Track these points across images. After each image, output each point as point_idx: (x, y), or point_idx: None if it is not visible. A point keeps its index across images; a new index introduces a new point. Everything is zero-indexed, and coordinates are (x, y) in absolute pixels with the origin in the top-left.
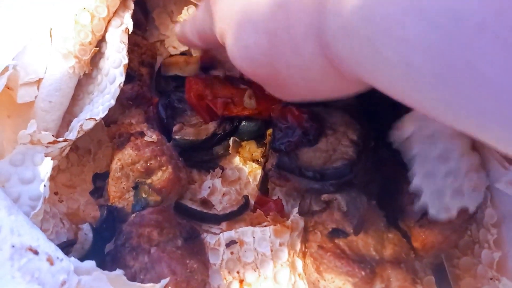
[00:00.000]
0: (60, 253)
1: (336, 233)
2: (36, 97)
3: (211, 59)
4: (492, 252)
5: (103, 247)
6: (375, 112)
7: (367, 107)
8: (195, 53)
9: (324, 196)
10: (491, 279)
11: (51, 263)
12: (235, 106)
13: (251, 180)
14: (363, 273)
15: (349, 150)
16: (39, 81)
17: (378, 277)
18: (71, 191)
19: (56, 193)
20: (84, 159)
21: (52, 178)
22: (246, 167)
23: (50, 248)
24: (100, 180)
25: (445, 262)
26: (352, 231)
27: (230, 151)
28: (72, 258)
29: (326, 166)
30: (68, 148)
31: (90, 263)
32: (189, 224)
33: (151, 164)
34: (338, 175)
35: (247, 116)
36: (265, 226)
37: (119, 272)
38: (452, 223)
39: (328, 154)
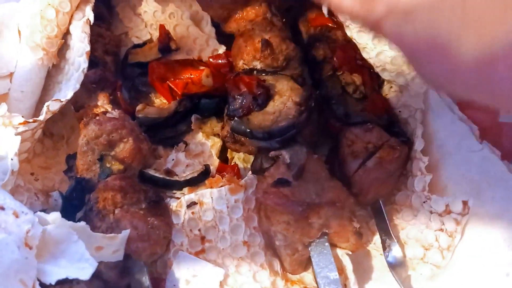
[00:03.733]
0: (25, 209)
1: (280, 182)
2: (9, 89)
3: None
4: (424, 176)
5: (73, 215)
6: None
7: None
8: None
9: (272, 153)
10: (424, 202)
11: (17, 216)
12: (194, 85)
13: (213, 153)
14: (300, 208)
15: (292, 110)
16: (10, 75)
17: (314, 213)
18: (47, 171)
19: (32, 174)
20: (59, 144)
21: (28, 161)
22: (208, 141)
23: (15, 205)
24: (73, 159)
25: (383, 205)
26: (292, 177)
27: (192, 128)
28: (38, 212)
29: (273, 126)
30: (39, 131)
31: (55, 214)
32: (152, 190)
33: (113, 136)
34: (282, 132)
35: (206, 93)
36: (222, 186)
37: (83, 223)
38: (387, 170)
39: (275, 116)
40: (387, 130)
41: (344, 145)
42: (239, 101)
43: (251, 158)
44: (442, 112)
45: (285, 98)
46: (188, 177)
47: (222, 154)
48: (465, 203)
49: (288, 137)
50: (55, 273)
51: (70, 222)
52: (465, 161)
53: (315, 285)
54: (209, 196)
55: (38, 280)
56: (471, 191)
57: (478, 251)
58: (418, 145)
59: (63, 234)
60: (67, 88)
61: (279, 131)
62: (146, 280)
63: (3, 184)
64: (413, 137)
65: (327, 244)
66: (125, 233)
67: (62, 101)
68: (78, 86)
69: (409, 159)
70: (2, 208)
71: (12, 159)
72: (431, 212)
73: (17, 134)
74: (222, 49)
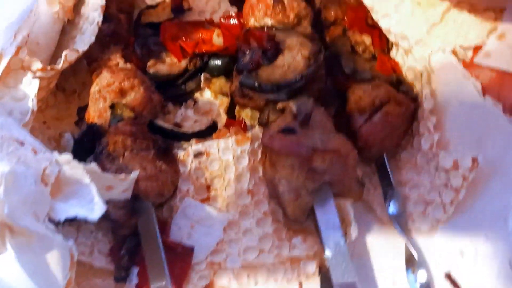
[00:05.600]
0: (43, 148)
1: (286, 130)
2: (26, 42)
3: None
4: (432, 135)
5: (84, 160)
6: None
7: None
8: None
9: (279, 105)
10: (430, 160)
11: (35, 153)
12: (205, 44)
13: (221, 112)
14: (304, 150)
15: (301, 63)
16: None
17: (318, 157)
18: (59, 122)
19: (44, 122)
20: (71, 98)
21: (41, 110)
22: (217, 101)
23: (35, 143)
24: (84, 111)
25: (387, 160)
26: (298, 126)
27: (202, 86)
28: (54, 152)
29: (282, 79)
30: (54, 82)
31: (67, 156)
32: (162, 138)
33: (124, 85)
34: (290, 84)
35: (216, 52)
36: (229, 137)
37: (93, 165)
38: (392, 124)
39: (284, 69)
40: (395, 88)
41: (351, 101)
42: (249, 55)
43: (258, 116)
44: (446, 71)
45: (295, 52)
46: (196, 130)
47: (230, 113)
48: (474, 159)
49: (295, 89)
50: (65, 211)
51: (82, 164)
52: (467, 116)
53: (317, 234)
54: (216, 147)
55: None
56: (472, 143)
57: (476, 201)
58: (427, 105)
59: (76, 176)
60: (82, 41)
61: (287, 84)
62: (153, 221)
63: (25, 123)
64: (419, 97)
65: (330, 192)
66: (135, 173)
67: (79, 52)
68: (93, 38)
69: (415, 119)
70: (22, 144)
71: (32, 100)
72: (437, 169)
73: (34, 78)
74: (234, 11)
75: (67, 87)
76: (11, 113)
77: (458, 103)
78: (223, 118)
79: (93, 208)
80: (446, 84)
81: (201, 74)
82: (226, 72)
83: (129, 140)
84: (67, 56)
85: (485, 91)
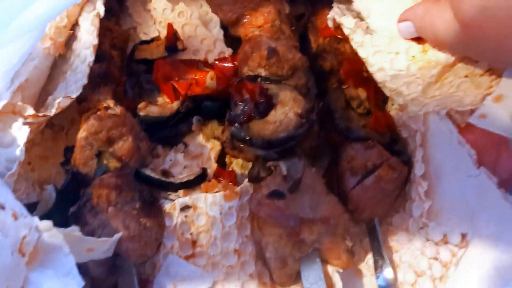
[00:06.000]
0: (25, 212)
1: (275, 194)
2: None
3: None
4: (422, 202)
5: (67, 209)
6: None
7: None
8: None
9: (269, 163)
10: (421, 228)
11: (15, 218)
12: (198, 86)
13: (212, 156)
14: (292, 223)
15: (293, 122)
16: None
17: (307, 229)
18: (44, 162)
19: (29, 163)
20: (58, 135)
21: (27, 150)
22: (208, 144)
23: (16, 206)
24: (71, 152)
25: (378, 225)
26: (287, 191)
27: (193, 129)
28: (34, 218)
29: (273, 136)
30: (44, 124)
31: (47, 223)
32: (148, 189)
33: (112, 133)
34: (281, 143)
35: (209, 95)
36: (217, 192)
37: (74, 228)
38: (384, 189)
39: (275, 126)
40: (388, 148)
41: (343, 160)
42: (241, 107)
43: (249, 164)
44: (441, 135)
45: (287, 109)
46: (184, 180)
47: (221, 158)
48: (463, 236)
49: (287, 149)
50: (40, 284)
51: (62, 229)
52: (461, 185)
53: None
54: (203, 200)
55: None
56: (465, 216)
57: (468, 279)
58: (418, 169)
59: (55, 245)
60: (74, 82)
61: (278, 142)
62: (134, 280)
63: (11, 174)
64: (412, 158)
65: (318, 259)
66: (117, 236)
67: (72, 98)
68: (85, 81)
69: (408, 181)
70: (2, 207)
71: (21, 149)
72: (427, 239)
73: (25, 123)
74: (228, 52)
75: (55, 122)
76: None
77: (451, 171)
78: (213, 164)
79: (69, 282)
80: (440, 148)
81: (192, 116)
82: (218, 115)
83: (113, 194)
84: (61, 103)
85: (480, 161)
